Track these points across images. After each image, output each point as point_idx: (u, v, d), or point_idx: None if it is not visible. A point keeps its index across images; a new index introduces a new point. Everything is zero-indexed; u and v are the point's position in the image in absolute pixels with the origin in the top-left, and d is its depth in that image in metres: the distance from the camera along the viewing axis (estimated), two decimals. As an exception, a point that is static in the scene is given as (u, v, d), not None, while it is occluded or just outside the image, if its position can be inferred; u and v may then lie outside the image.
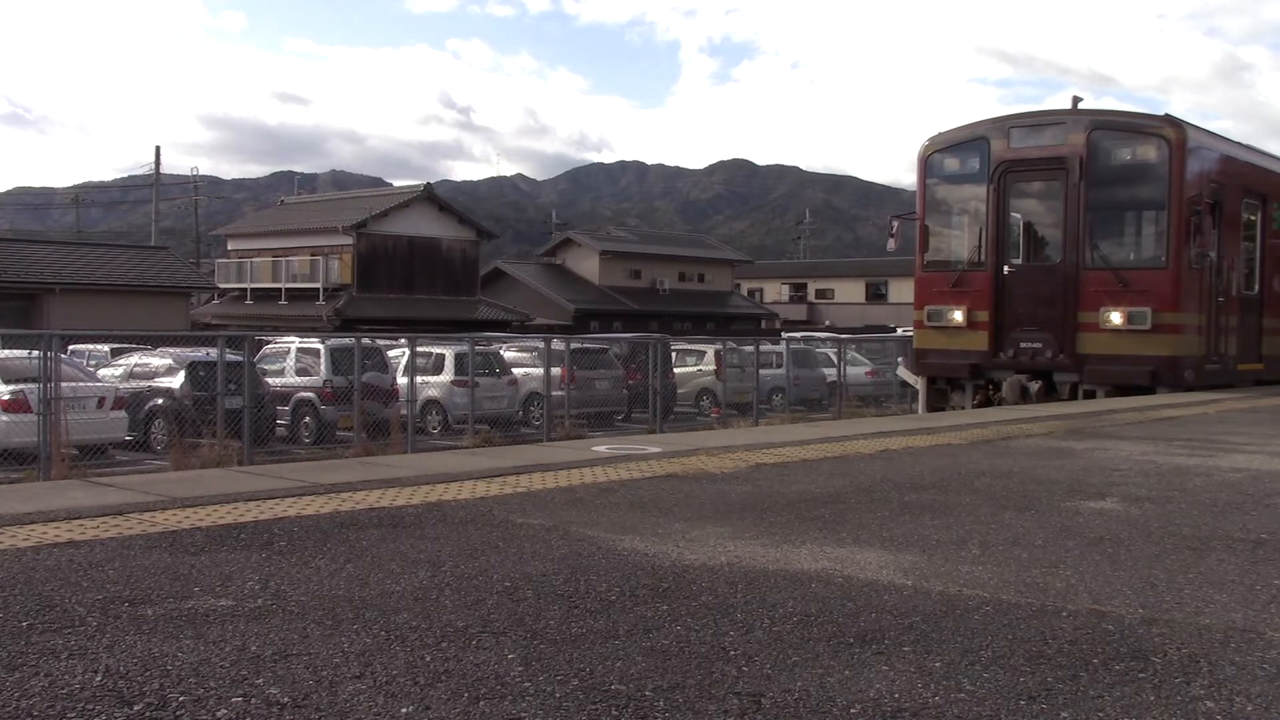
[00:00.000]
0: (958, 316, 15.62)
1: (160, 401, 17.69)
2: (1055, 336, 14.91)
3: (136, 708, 2.52)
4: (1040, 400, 14.53)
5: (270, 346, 22.04)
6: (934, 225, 16.38)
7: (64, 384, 14.28)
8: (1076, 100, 15.81)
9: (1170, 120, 14.89)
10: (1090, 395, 14.49)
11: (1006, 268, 15.41)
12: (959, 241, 16.39)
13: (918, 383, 16.59)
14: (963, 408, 15.28)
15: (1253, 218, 16.83)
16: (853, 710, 2.58)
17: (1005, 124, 15.64)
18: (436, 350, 22.86)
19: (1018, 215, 15.67)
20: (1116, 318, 14.42)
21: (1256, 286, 16.93)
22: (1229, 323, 15.75)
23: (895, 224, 17.60)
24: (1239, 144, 17.39)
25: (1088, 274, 14.73)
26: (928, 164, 16.33)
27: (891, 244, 17.86)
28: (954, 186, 16.45)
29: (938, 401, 16.13)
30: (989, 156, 15.51)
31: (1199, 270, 14.73)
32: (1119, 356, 14.43)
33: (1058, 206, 15.08)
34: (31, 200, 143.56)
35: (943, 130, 16.49)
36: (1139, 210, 15.40)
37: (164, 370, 18.78)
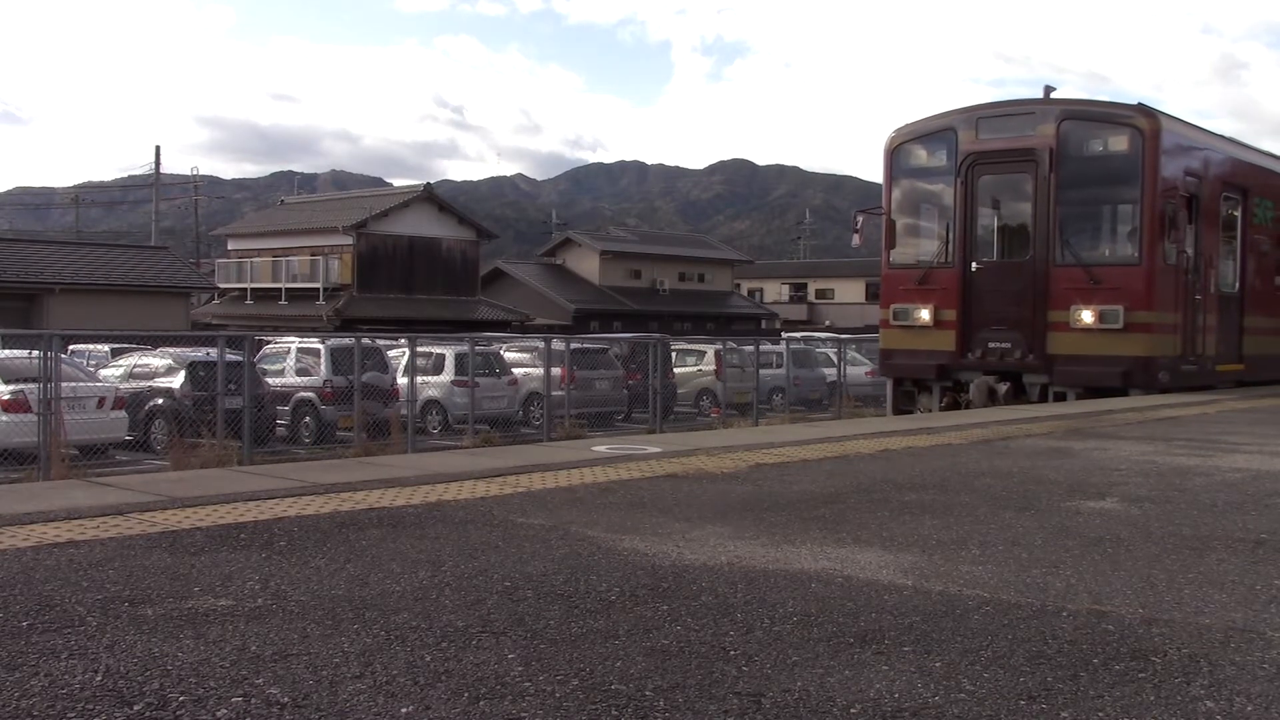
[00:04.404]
0: (924, 315, 15.08)
1: (160, 401, 17.69)
2: (1024, 336, 14.40)
3: (136, 708, 2.51)
4: (1009, 403, 14.04)
5: (270, 346, 22.05)
6: (901, 220, 15.81)
7: (64, 384, 14.28)
8: (1049, 90, 15.21)
9: (1143, 109, 14.36)
10: (1060, 397, 14.02)
11: (974, 265, 14.89)
12: (926, 237, 15.83)
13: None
14: (930, 410, 14.82)
15: (1233, 212, 16.26)
16: (853, 710, 2.58)
17: (973, 114, 15.08)
18: (436, 350, 22.87)
19: (986, 210, 15.18)
20: (1087, 316, 13.91)
21: (1237, 284, 16.39)
22: (1207, 322, 15.19)
23: (860, 219, 17.01)
24: (1218, 135, 16.83)
25: (1058, 271, 14.19)
26: (894, 156, 15.75)
27: (856, 240, 17.30)
28: (921, 180, 15.88)
29: (905, 403, 15.60)
30: (956, 148, 14.95)
31: (1174, 267, 14.22)
32: (1090, 357, 13.93)
33: (1027, 200, 14.57)
34: (31, 200, 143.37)
35: (910, 121, 15.91)
36: (1111, 204, 14.92)
37: (164, 370, 18.79)
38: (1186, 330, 14.70)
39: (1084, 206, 14.72)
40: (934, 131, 15.48)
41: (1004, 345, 14.55)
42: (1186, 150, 14.89)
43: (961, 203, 14.86)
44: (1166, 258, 14.01)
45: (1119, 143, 14.15)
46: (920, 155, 15.73)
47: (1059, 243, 14.27)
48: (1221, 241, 15.93)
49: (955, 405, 14.56)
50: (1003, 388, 14.37)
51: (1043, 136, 14.30)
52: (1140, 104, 14.54)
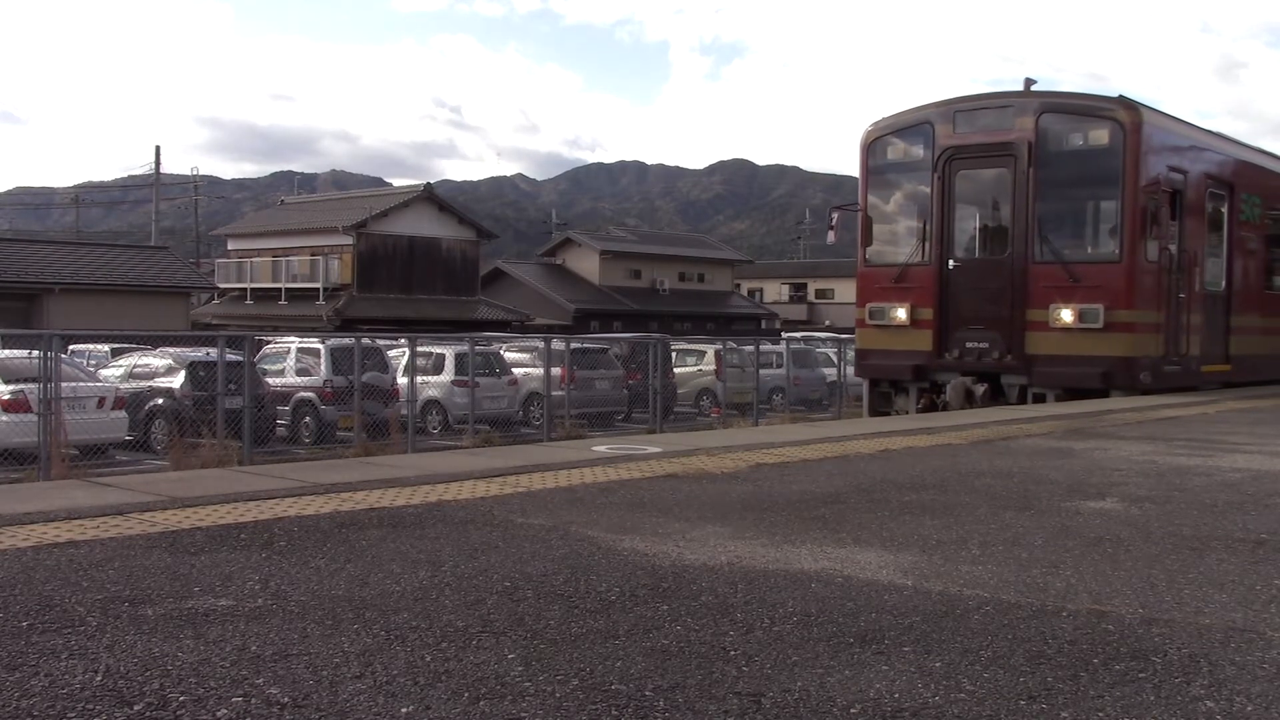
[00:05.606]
0: (901, 315, 14.69)
1: (160, 401, 17.69)
2: (1003, 336, 14.00)
3: (136, 708, 2.51)
4: (986, 404, 13.73)
5: (270, 346, 22.04)
6: (876, 217, 15.46)
7: (64, 384, 14.27)
8: (1029, 82, 14.81)
9: (1124, 102, 13.86)
10: (1040, 399, 13.70)
11: (952, 262, 14.45)
12: (902, 234, 15.43)
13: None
14: (906, 411, 14.51)
15: (1219, 209, 15.87)
16: (853, 710, 2.58)
17: (951, 107, 14.68)
18: (436, 350, 22.86)
19: (964, 206, 14.79)
20: (1067, 316, 13.52)
21: (1223, 283, 15.98)
22: (1191, 321, 14.81)
23: (835, 215, 16.47)
24: (1204, 130, 16.43)
25: (1037, 269, 13.78)
26: (870, 151, 15.37)
27: (831, 237, 16.86)
28: (897, 175, 15.48)
29: (881, 405, 15.24)
30: (933, 143, 14.58)
31: (1157, 265, 13.86)
32: (1069, 357, 13.56)
33: (1005, 196, 14.17)
34: (31, 200, 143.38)
35: (886, 115, 15.52)
36: (1091, 200, 14.53)
37: (164, 370, 18.78)
38: (1170, 330, 14.33)
39: (1064, 202, 14.37)
40: (910, 125, 15.08)
41: (982, 345, 14.19)
42: (1170, 144, 14.54)
43: (938, 199, 14.50)
44: (1148, 255, 13.67)
45: (1099, 136, 13.77)
46: (896, 149, 15.32)
47: (1038, 240, 13.89)
48: (1207, 239, 15.55)
49: (932, 406, 14.28)
50: (980, 389, 14.02)
51: (1021, 130, 13.94)
52: (1121, 96, 14.17)
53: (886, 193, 15.65)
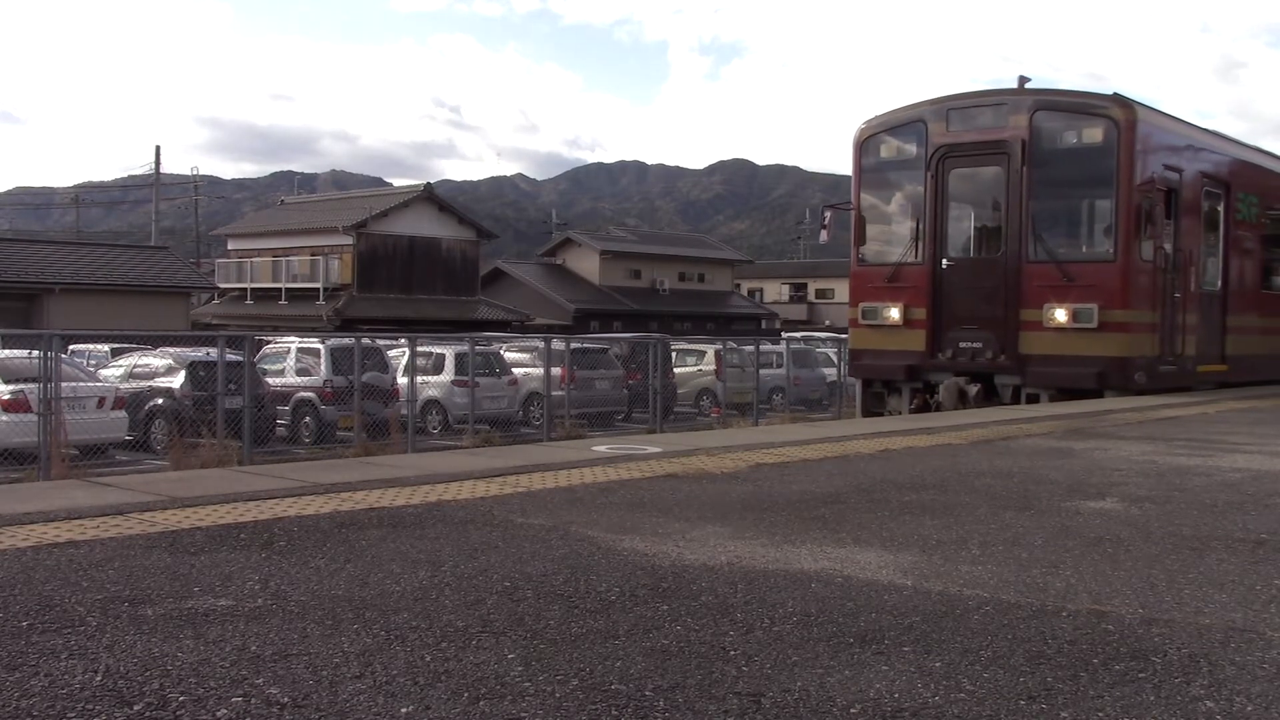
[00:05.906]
0: (894, 314, 14.55)
1: (160, 401, 17.69)
2: (996, 336, 13.87)
3: (136, 708, 2.52)
4: (980, 405, 13.62)
5: (270, 346, 22.05)
6: (869, 216, 15.32)
7: (64, 384, 14.28)
8: (1023, 80, 14.69)
9: (1118, 100, 13.75)
10: (1033, 399, 13.61)
11: (945, 261, 14.35)
12: (896, 233, 15.29)
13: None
14: (899, 412, 14.44)
15: (1215, 208, 15.76)
16: (853, 710, 2.58)
17: (944, 105, 14.50)
18: (436, 350, 22.86)
19: (957, 204, 14.71)
20: (1061, 315, 13.41)
21: (1219, 282, 15.87)
22: (1187, 321, 14.69)
23: (828, 214, 16.46)
24: (1200, 128, 16.29)
25: (1031, 268, 13.65)
26: (863, 149, 15.24)
27: (824, 236, 16.73)
28: (890, 173, 15.35)
29: (874, 405, 15.13)
30: (927, 141, 14.41)
31: (1152, 264, 13.77)
32: (1063, 357, 13.47)
33: (999, 195, 14.08)
34: (31, 200, 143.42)
35: (879, 113, 15.45)
36: (1086, 198, 14.41)
37: (164, 370, 18.78)
38: (1165, 330, 14.22)
39: (1058, 201, 14.25)
40: (903, 123, 14.97)
41: (975, 345, 14.06)
42: (1165, 143, 14.43)
43: (932, 197, 14.39)
44: (1143, 254, 13.58)
45: (1093, 134, 13.65)
46: (890, 148, 15.19)
47: (1032, 239, 13.77)
48: (1203, 238, 15.44)
49: (925, 407, 14.18)
50: (973, 389, 13.91)
51: (1015, 128, 13.82)
52: (1116, 94, 14.06)
53: (880, 191, 15.54)
